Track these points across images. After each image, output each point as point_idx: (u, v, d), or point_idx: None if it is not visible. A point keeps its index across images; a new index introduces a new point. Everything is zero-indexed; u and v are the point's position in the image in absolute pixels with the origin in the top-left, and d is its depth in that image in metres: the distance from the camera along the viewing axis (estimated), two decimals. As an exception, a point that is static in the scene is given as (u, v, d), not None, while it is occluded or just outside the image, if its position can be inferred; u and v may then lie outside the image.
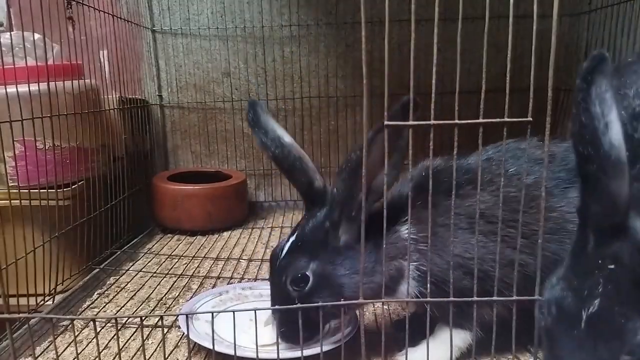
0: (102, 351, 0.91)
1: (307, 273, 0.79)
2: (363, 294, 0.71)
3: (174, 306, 1.10)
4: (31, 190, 1.08)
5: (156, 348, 0.93)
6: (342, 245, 0.79)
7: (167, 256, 1.42)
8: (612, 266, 0.44)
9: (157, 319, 1.01)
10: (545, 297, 0.49)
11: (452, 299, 0.74)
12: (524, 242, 0.75)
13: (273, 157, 0.83)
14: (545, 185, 0.66)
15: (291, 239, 0.82)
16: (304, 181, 0.83)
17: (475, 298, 0.73)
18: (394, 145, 0.67)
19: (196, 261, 1.37)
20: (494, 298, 0.73)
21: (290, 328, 0.78)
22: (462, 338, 0.83)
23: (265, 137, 0.83)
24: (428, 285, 0.72)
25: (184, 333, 0.95)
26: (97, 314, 1.07)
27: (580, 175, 0.47)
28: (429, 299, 0.79)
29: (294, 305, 0.74)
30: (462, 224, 0.79)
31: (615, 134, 0.44)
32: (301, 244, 0.81)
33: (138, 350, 0.91)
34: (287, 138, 0.83)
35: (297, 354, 0.77)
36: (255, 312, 0.73)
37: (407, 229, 0.80)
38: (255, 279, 1.23)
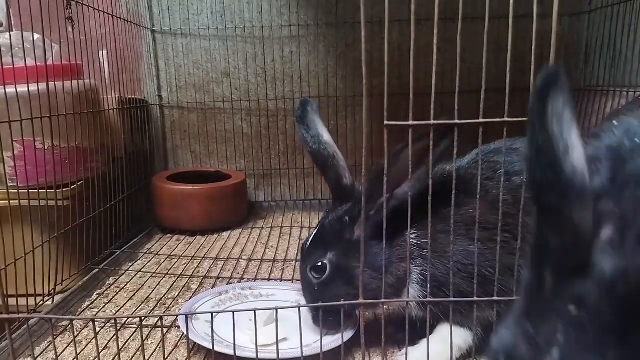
0: (101, 351, 0.91)
1: (324, 262, 0.85)
2: (375, 293, 0.76)
3: (173, 306, 1.10)
4: (30, 191, 1.08)
5: (156, 348, 0.93)
6: (357, 240, 0.82)
7: (166, 256, 1.42)
8: (574, 309, 0.38)
9: (156, 319, 1.01)
10: (493, 346, 0.42)
11: (452, 299, 0.74)
12: (516, 244, 0.75)
13: (310, 152, 0.91)
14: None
15: (315, 231, 0.90)
16: (333, 177, 0.90)
17: (475, 298, 0.73)
18: (425, 153, 0.71)
19: (196, 261, 1.37)
20: (495, 298, 0.73)
21: (317, 314, 0.87)
22: (463, 337, 0.83)
23: (307, 133, 0.91)
24: (429, 287, 0.73)
25: (183, 333, 0.95)
26: (96, 314, 1.07)
27: (537, 206, 0.40)
28: (429, 299, 0.79)
29: (294, 305, 0.75)
30: (460, 231, 0.80)
31: (577, 156, 0.38)
32: (321, 236, 0.88)
33: (137, 350, 0.91)
34: (326, 136, 0.91)
35: (297, 353, 0.77)
36: (255, 312, 0.73)
37: (412, 233, 0.82)
38: (255, 279, 1.23)
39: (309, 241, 0.90)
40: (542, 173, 0.39)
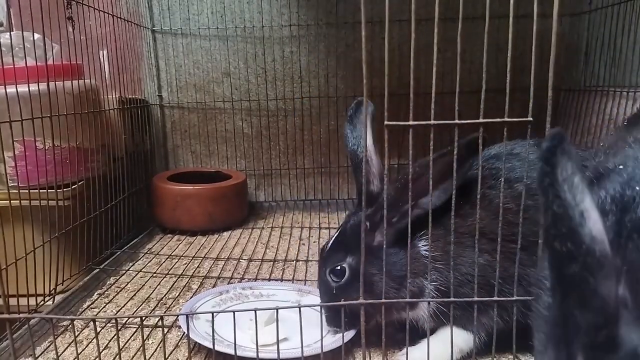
0: (102, 351, 0.91)
1: (343, 265, 0.86)
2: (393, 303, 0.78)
3: (174, 306, 1.10)
4: (31, 190, 1.08)
5: (156, 348, 0.93)
6: (376, 246, 0.82)
7: (167, 256, 1.42)
8: None
9: (157, 319, 1.01)
10: None
11: (453, 299, 0.74)
12: (522, 255, 0.74)
13: (349, 151, 0.92)
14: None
15: (336, 235, 0.91)
16: (362, 181, 0.86)
17: (476, 298, 0.73)
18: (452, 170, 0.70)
19: (196, 261, 1.37)
20: (495, 298, 0.73)
21: (332, 315, 0.88)
22: (464, 339, 0.82)
23: (351, 133, 0.91)
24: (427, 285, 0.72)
25: (184, 333, 0.95)
26: (97, 314, 1.07)
27: (559, 280, 0.39)
28: (429, 299, 0.79)
29: (294, 305, 0.75)
30: (468, 242, 0.79)
31: (594, 223, 0.37)
32: (342, 240, 0.89)
33: (138, 350, 0.91)
34: (368, 140, 0.87)
35: (298, 353, 0.77)
36: (255, 312, 0.73)
37: (425, 245, 0.82)
38: (256, 279, 1.23)
39: (330, 244, 0.90)
40: (561, 243, 0.37)
